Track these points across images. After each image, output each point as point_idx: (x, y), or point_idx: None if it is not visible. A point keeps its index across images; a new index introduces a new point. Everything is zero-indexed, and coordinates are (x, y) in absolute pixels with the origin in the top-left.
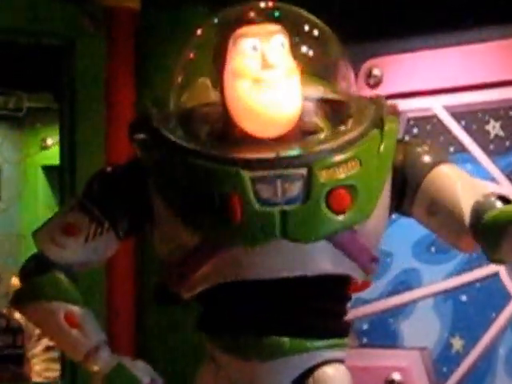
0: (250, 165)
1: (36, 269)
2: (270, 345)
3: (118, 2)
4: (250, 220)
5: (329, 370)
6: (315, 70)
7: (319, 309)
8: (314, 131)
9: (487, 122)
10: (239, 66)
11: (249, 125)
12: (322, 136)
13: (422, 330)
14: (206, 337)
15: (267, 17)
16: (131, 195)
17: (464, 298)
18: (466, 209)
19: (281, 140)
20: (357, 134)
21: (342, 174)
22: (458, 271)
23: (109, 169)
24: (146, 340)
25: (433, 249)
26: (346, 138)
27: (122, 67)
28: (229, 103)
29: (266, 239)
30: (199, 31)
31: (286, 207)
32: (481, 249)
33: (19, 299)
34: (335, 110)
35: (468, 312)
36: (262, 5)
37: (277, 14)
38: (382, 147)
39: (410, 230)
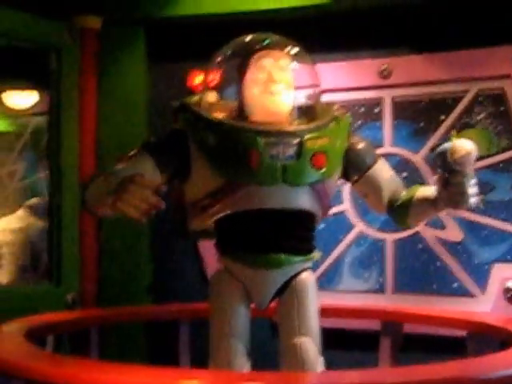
0: (263, 134)
1: (94, 176)
2: (272, 258)
3: (84, 23)
4: (262, 168)
5: (304, 275)
6: (301, 80)
7: (300, 235)
8: (298, 120)
9: None
10: (256, 77)
11: (258, 116)
12: (305, 121)
13: None
14: (222, 253)
15: (277, 44)
16: (177, 152)
17: (322, 226)
18: (385, 198)
19: (279, 122)
20: (325, 122)
21: (318, 143)
22: None
23: (158, 136)
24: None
25: None
26: (320, 123)
27: (89, 74)
28: (245, 100)
29: (271, 182)
30: (226, 51)
31: (286, 162)
32: (393, 221)
33: (86, 187)
34: (308, 111)
35: (324, 235)
36: (268, 36)
37: (280, 41)
38: (340, 131)
39: None
